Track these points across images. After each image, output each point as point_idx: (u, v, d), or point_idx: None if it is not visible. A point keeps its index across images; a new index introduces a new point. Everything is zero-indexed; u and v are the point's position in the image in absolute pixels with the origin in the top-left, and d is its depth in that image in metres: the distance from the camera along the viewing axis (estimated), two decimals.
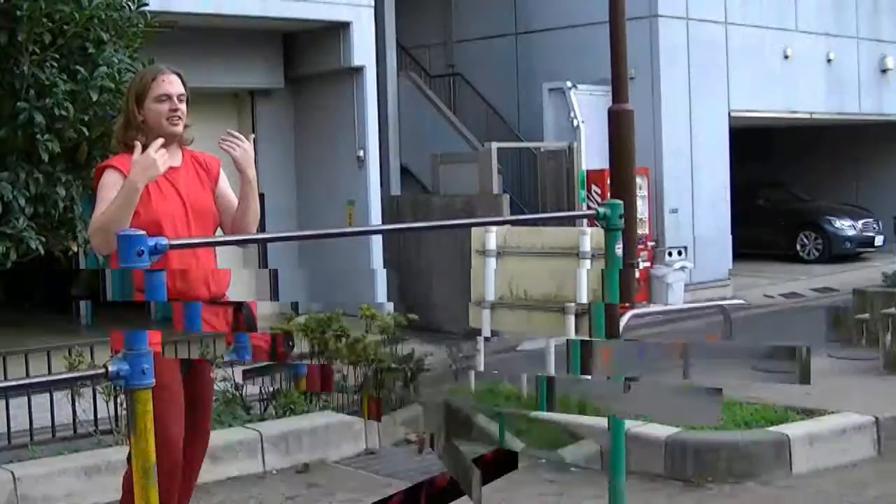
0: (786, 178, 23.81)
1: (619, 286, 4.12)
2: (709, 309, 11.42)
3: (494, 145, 15.50)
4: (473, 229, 7.54)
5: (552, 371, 7.11)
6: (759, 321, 13.99)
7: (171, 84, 4.18)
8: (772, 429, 6.09)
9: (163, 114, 4.15)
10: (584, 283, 6.90)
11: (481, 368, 7.47)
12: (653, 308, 14.75)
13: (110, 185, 4.02)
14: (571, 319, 6.94)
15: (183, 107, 4.21)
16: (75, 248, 6.46)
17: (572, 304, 6.91)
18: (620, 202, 4.23)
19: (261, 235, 3.58)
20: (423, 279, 15.43)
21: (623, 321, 7.46)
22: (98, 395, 6.62)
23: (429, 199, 15.62)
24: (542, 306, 7.14)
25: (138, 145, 4.02)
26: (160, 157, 3.94)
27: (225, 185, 4.37)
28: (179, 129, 4.19)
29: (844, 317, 10.39)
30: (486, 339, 8.11)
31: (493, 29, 19.09)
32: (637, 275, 10.94)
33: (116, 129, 4.25)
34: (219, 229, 4.28)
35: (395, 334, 7.39)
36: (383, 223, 14.35)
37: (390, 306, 13.07)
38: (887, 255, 18.03)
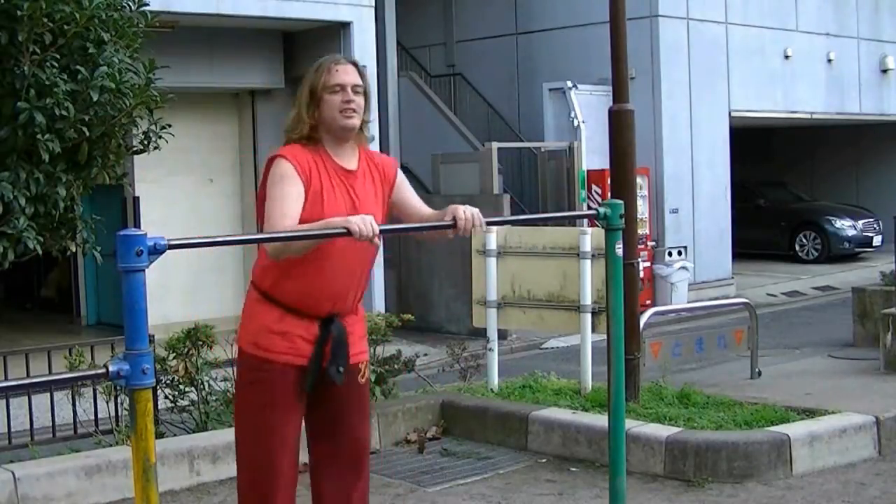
0: (786, 178, 23.83)
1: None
2: (731, 305, 11.40)
3: (495, 145, 15.51)
4: None
5: (588, 368, 7.13)
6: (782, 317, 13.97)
7: (347, 73, 3.79)
8: (772, 429, 6.09)
9: (336, 106, 3.75)
10: (588, 283, 6.91)
11: (494, 367, 7.47)
12: (675, 305, 14.76)
13: (283, 180, 3.65)
14: (588, 318, 6.95)
15: (359, 99, 3.80)
16: (73, 248, 6.45)
17: (588, 303, 6.92)
18: (621, 202, 4.23)
19: (261, 235, 3.51)
20: (423, 279, 15.43)
21: (644, 319, 7.45)
22: (98, 395, 6.62)
23: (429, 199, 15.56)
24: (555, 305, 7.15)
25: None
26: (377, 231, 3.43)
27: (403, 187, 4.02)
28: (354, 122, 3.79)
29: (871, 311, 10.36)
30: (499, 338, 8.07)
31: (494, 29, 19.09)
32: (641, 274, 10.95)
33: (287, 123, 3.84)
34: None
35: (385, 336, 7.32)
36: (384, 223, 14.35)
37: (381, 306, 13.09)
38: (885, 255, 18.03)
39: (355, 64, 3.86)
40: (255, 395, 3.80)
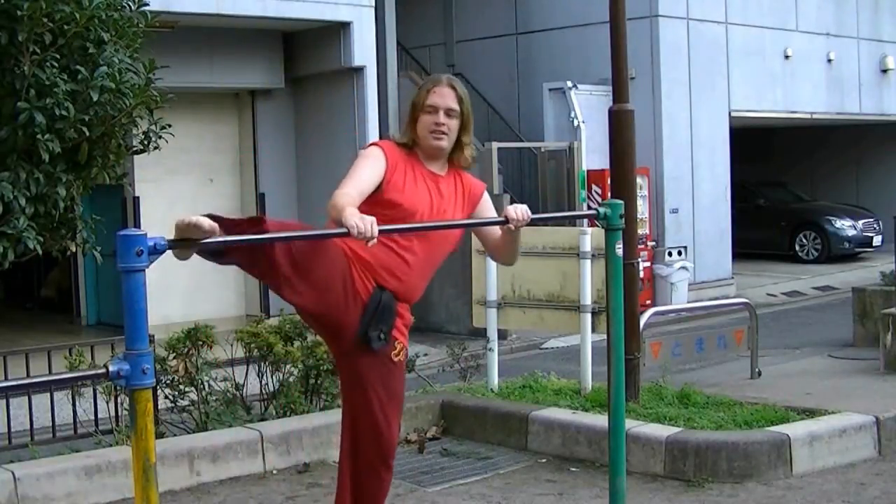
0: (786, 178, 23.83)
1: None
2: (731, 305, 11.39)
3: (495, 145, 15.51)
4: None
5: (588, 368, 7.12)
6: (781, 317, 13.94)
7: (442, 97, 4.03)
8: (772, 429, 6.09)
9: (427, 126, 4.02)
10: (588, 283, 6.91)
11: (494, 367, 7.47)
12: (675, 305, 14.75)
13: (367, 158, 3.95)
14: (588, 318, 6.95)
15: (451, 122, 4.04)
16: (73, 248, 6.45)
17: (588, 303, 6.91)
18: (621, 202, 4.23)
19: (260, 236, 3.52)
20: None
21: (644, 319, 7.45)
22: (98, 395, 6.62)
23: None
24: (555, 305, 7.15)
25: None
26: (375, 233, 3.48)
27: (485, 207, 4.22)
28: (441, 144, 4.04)
29: (871, 311, 10.36)
30: (499, 337, 8.07)
31: (493, 29, 19.09)
32: (641, 274, 10.94)
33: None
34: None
35: None
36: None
37: None
38: (885, 255, 18.05)
39: (454, 87, 4.06)
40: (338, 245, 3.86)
